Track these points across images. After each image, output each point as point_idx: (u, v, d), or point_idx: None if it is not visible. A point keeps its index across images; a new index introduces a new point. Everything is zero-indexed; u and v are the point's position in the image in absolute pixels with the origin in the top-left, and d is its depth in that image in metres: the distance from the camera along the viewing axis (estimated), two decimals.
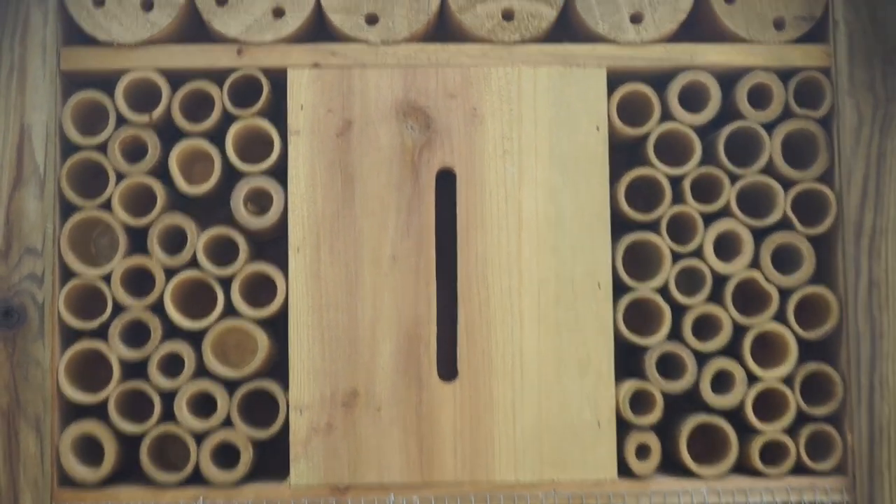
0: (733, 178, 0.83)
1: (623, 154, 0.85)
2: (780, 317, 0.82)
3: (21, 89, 0.79)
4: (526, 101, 0.82)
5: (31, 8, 0.80)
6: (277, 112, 0.83)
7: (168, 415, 0.79)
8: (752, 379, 0.81)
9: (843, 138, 0.81)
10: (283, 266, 0.80)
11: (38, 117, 0.79)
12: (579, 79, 0.82)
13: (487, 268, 0.80)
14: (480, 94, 0.82)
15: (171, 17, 0.81)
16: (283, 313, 0.80)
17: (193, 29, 0.83)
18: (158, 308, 0.80)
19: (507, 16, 0.82)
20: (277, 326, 0.82)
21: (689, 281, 0.82)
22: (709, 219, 0.82)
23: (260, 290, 0.82)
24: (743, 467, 0.82)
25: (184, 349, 0.79)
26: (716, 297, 0.82)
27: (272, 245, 0.86)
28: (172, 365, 0.80)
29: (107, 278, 0.80)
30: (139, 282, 0.81)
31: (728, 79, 0.84)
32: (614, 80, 0.83)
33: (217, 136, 0.82)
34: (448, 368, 0.80)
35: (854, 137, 0.81)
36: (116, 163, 0.80)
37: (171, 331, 0.81)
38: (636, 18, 0.83)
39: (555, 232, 0.80)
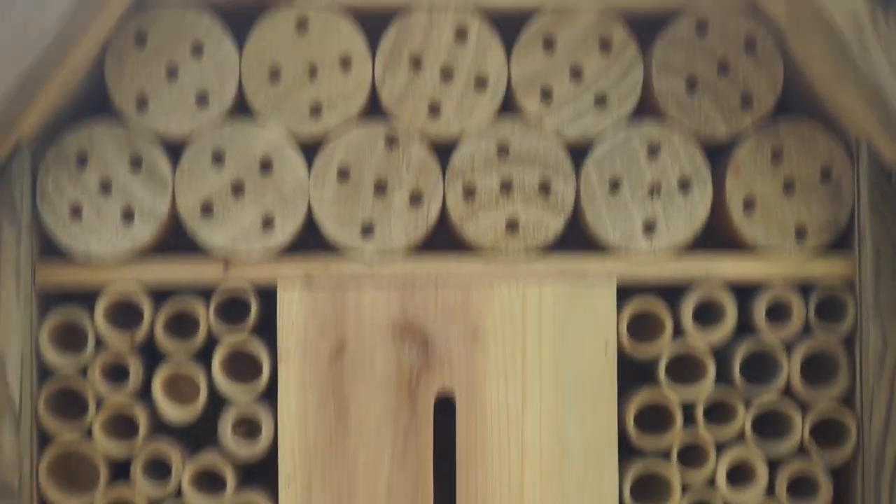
0: (748, 400, 0.78)
1: (631, 367, 0.81)
2: None
3: None
4: (530, 321, 0.77)
5: (3, 225, 0.75)
6: (268, 325, 0.78)
7: None
8: None
9: (866, 362, 0.77)
10: (273, 492, 0.77)
11: (13, 345, 0.75)
12: (587, 295, 0.77)
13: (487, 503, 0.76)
14: (482, 314, 0.77)
15: (154, 230, 0.76)
16: None
17: (178, 238, 0.78)
18: None
19: (512, 226, 0.77)
20: None
21: None
22: (722, 443, 0.78)
23: None
24: None
25: None
26: None
27: (263, 464, 0.82)
28: None
29: None
30: None
31: (745, 288, 0.79)
32: (624, 291, 0.78)
33: (204, 352, 0.77)
34: None
35: (878, 362, 0.77)
36: (96, 388, 0.76)
37: None
38: (649, 227, 0.78)
39: (559, 465, 0.77)
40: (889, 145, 0.74)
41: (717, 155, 0.79)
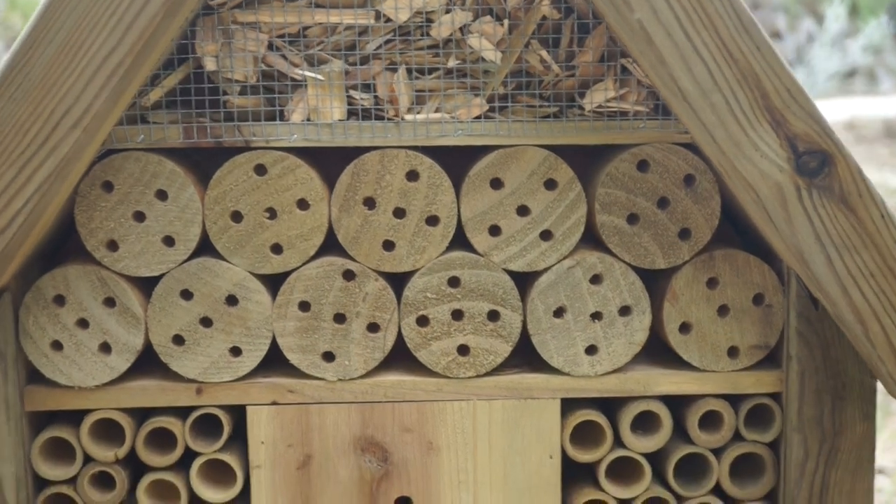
0: (682, 498, 0.86)
1: (572, 469, 0.88)
2: None
3: None
4: (481, 434, 0.84)
5: None
6: (242, 438, 0.85)
7: None
8: None
9: (788, 470, 0.84)
10: None
11: (8, 466, 0.82)
12: (533, 410, 0.84)
13: None
14: (436, 428, 0.84)
15: (130, 361, 0.82)
16: None
17: (153, 365, 0.84)
18: None
19: (463, 351, 0.83)
20: None
21: None
22: None
23: None
24: None
25: None
26: None
27: None
28: None
29: None
30: None
31: (680, 400, 0.85)
32: (567, 405, 0.85)
33: (184, 458, 0.85)
34: None
35: (799, 471, 0.84)
36: (86, 496, 0.84)
37: None
38: (591, 351, 0.83)
39: None
40: (813, 291, 0.78)
41: (656, 278, 0.84)
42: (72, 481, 0.84)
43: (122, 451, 0.84)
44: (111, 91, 0.72)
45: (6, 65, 0.71)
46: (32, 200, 0.73)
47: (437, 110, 0.80)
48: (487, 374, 0.84)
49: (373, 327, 0.83)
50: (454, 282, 0.82)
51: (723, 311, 0.83)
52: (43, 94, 0.72)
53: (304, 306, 0.82)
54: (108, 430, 0.84)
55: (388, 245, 0.82)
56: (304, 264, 0.82)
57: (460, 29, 0.80)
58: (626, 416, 0.85)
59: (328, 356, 0.83)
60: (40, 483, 0.84)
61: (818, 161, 0.74)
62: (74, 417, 0.84)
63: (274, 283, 0.83)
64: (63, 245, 0.87)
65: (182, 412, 0.84)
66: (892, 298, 0.75)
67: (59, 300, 0.81)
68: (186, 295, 0.82)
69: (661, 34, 0.72)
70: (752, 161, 0.74)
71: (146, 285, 0.82)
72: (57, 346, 0.82)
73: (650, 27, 0.72)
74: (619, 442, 0.85)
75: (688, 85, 0.73)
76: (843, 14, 6.49)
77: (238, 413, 0.85)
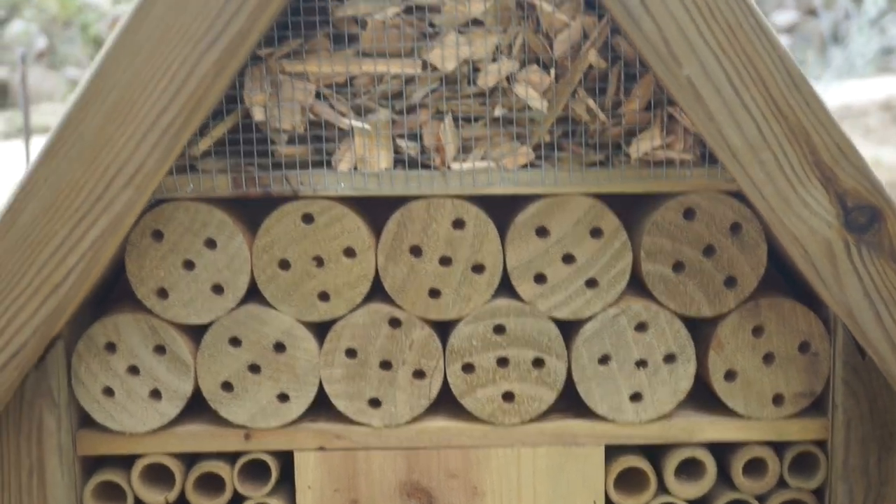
0: None
1: None
2: None
3: (42, 489, 0.83)
4: (525, 480, 0.85)
5: (44, 412, 0.82)
6: (289, 482, 0.86)
7: None
8: None
9: None
10: None
11: None
12: (578, 457, 0.84)
13: None
14: (481, 474, 0.84)
15: (180, 407, 0.83)
16: None
17: (202, 410, 0.85)
18: None
19: (508, 398, 0.84)
20: None
21: None
22: None
23: None
24: None
25: None
26: None
27: None
28: None
29: None
30: None
31: (725, 447, 0.86)
32: (612, 452, 0.85)
33: (232, 501, 0.86)
34: None
35: None
36: None
37: None
38: (636, 398, 0.84)
39: None
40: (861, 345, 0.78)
41: (702, 326, 0.84)
42: None
43: (172, 495, 0.85)
44: (163, 150, 0.73)
45: (60, 124, 0.72)
46: (86, 257, 0.74)
47: (483, 158, 0.81)
48: (532, 420, 0.84)
49: (419, 374, 0.83)
50: (499, 329, 0.83)
51: (768, 358, 0.83)
52: (96, 153, 0.72)
53: (351, 353, 0.83)
54: (159, 474, 0.86)
55: (434, 293, 0.82)
56: (350, 312, 0.83)
57: (507, 78, 0.80)
58: (671, 463, 0.85)
59: (374, 402, 0.84)
60: None
61: (867, 217, 0.73)
62: (125, 461, 0.85)
63: (321, 330, 0.84)
64: (112, 288, 0.89)
65: (231, 457, 0.85)
66: None
67: (111, 347, 0.83)
68: (235, 342, 0.83)
69: (710, 90, 0.72)
70: (801, 217, 0.74)
71: (195, 333, 0.83)
72: (108, 392, 0.83)
73: (699, 83, 0.72)
74: (663, 488, 0.85)
75: (737, 142, 0.73)
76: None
77: (286, 458, 0.85)
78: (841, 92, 6.62)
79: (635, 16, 0.72)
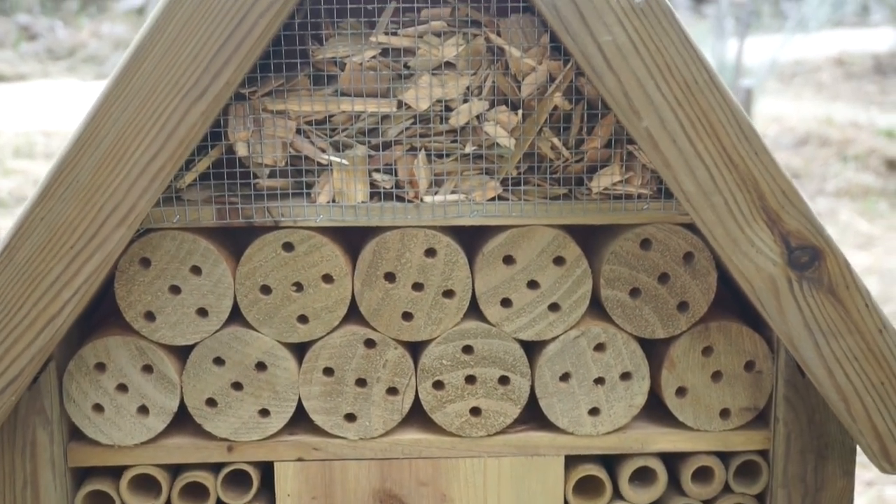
0: None
1: None
2: None
3: (36, 500, 0.88)
4: (490, 488, 0.91)
5: (37, 429, 0.87)
6: (269, 491, 0.92)
7: None
8: None
9: None
10: None
11: None
12: (539, 466, 0.91)
13: None
14: (449, 483, 0.91)
15: (166, 422, 0.88)
16: None
17: (187, 424, 0.90)
18: None
19: (475, 412, 0.90)
20: None
21: None
22: None
23: None
24: None
25: None
26: None
27: None
28: None
29: None
30: None
31: (675, 456, 0.92)
32: (571, 461, 0.91)
33: None
34: None
35: None
36: None
37: None
38: (594, 412, 0.90)
39: None
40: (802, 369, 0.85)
41: (656, 346, 0.91)
42: None
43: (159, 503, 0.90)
44: (153, 191, 0.77)
45: (56, 166, 0.77)
46: (81, 290, 0.79)
47: (454, 192, 0.86)
48: (497, 433, 0.90)
49: (392, 391, 0.89)
50: (468, 350, 0.88)
51: (716, 376, 0.90)
52: (90, 194, 0.77)
53: (329, 372, 0.88)
54: (146, 484, 0.91)
55: (407, 316, 0.88)
56: (328, 334, 0.88)
57: (477, 117, 0.85)
58: (625, 471, 0.91)
59: (350, 417, 0.89)
60: None
61: (809, 256, 0.80)
62: (114, 472, 0.90)
63: (300, 350, 0.89)
64: (98, 306, 0.93)
65: (214, 467, 0.90)
66: (874, 379, 0.82)
67: (101, 367, 0.87)
68: (219, 362, 0.88)
69: (667, 140, 0.78)
70: (748, 256, 0.80)
71: (181, 353, 0.88)
72: (98, 408, 0.88)
73: (656, 134, 0.78)
74: (618, 494, 0.92)
75: (690, 187, 0.78)
76: None
77: (266, 468, 0.91)
78: (796, 47, 6.71)
79: (598, 71, 0.77)
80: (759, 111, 6.24)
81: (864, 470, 2.32)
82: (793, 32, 6.45)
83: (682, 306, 0.89)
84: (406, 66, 0.85)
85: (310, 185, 0.86)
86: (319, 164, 0.86)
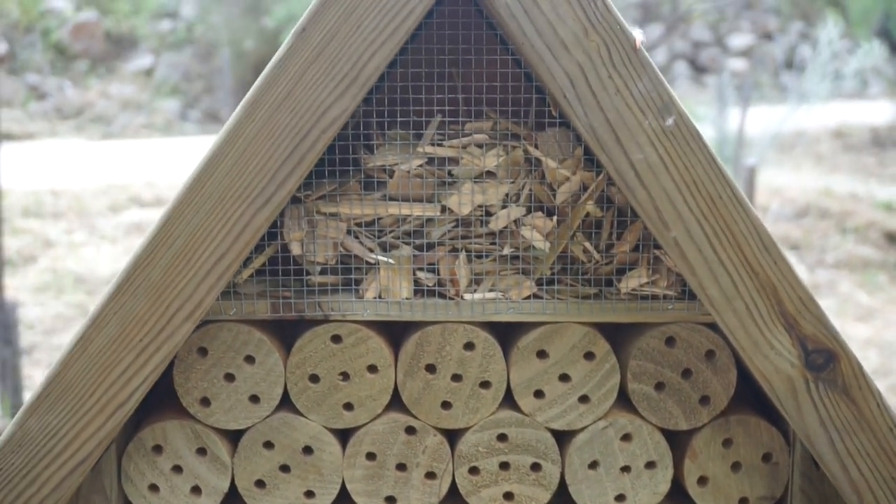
0: None
1: None
2: None
3: None
4: None
5: None
6: None
7: None
8: None
9: None
10: None
11: None
12: None
13: None
14: None
15: (217, 502, 0.94)
16: None
17: (237, 503, 0.95)
18: None
19: (509, 497, 0.95)
20: None
21: None
22: None
23: None
24: None
25: None
26: None
27: None
28: None
29: None
30: None
31: None
32: None
33: None
34: None
35: None
36: None
37: None
38: (620, 499, 0.95)
39: None
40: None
41: (679, 437, 0.96)
42: None
43: None
44: (219, 289, 0.83)
45: (130, 263, 0.83)
46: (148, 379, 0.85)
47: (491, 290, 0.92)
48: None
49: (430, 475, 0.95)
50: (503, 437, 0.94)
51: (736, 467, 0.95)
52: (161, 291, 0.83)
53: (371, 456, 0.94)
54: None
55: (446, 405, 0.94)
56: (371, 420, 0.94)
57: (515, 221, 0.92)
58: None
59: (391, 500, 0.95)
60: None
61: (825, 358, 0.86)
62: None
63: (344, 435, 0.95)
64: (155, 388, 0.99)
65: None
66: (885, 475, 0.88)
67: (158, 449, 0.93)
68: (269, 445, 0.93)
69: (693, 250, 0.84)
70: (767, 357, 0.86)
71: (233, 436, 0.94)
72: (154, 488, 0.93)
73: (684, 244, 0.84)
74: None
75: (714, 292, 0.85)
76: (835, 37, 6.59)
77: None
78: (796, 118, 6.82)
79: (631, 186, 0.83)
80: (761, 182, 6.33)
81: None
82: (795, 106, 6.56)
83: (704, 400, 0.94)
84: (450, 174, 0.91)
85: (358, 282, 0.92)
86: (367, 262, 0.92)
